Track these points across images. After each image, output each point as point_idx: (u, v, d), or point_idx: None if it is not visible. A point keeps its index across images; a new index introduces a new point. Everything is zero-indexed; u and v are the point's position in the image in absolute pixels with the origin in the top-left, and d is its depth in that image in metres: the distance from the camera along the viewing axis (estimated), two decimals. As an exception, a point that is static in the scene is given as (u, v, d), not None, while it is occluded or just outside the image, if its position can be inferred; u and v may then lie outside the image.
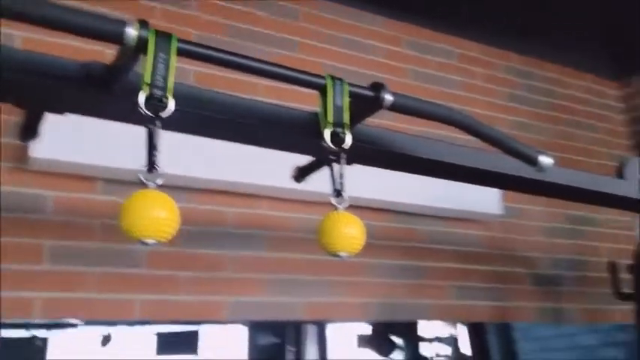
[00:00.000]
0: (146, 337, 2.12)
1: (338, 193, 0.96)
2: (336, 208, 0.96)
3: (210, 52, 0.90)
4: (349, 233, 0.92)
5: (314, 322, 2.13)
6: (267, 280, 1.94)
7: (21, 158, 1.68)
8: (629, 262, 2.10)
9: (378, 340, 3.21)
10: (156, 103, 0.83)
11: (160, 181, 0.81)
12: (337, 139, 0.98)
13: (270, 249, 1.97)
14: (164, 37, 0.86)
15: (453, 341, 4.03)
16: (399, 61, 2.52)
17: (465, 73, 2.71)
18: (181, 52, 0.87)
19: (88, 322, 1.70)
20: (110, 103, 0.96)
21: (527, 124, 2.80)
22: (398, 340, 3.12)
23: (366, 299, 2.10)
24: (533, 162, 1.23)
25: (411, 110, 1.09)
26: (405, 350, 3.26)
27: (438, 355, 3.61)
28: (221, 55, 0.92)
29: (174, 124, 0.87)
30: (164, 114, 0.83)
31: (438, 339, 3.75)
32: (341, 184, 0.97)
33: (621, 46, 2.99)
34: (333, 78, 1.01)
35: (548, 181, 1.31)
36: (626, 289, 2.10)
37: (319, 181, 1.31)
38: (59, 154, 1.67)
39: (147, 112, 0.82)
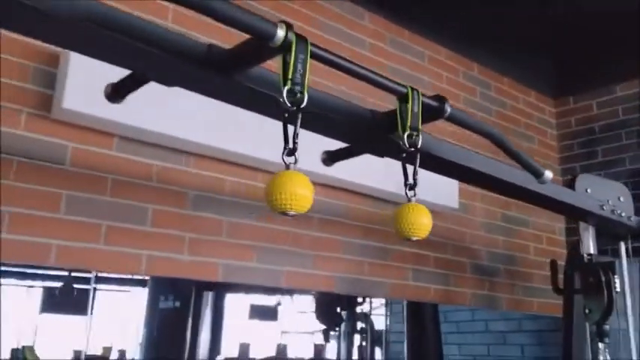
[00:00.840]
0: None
1: (411, 187, 1.14)
2: (409, 200, 1.14)
3: (331, 56, 1.05)
4: (423, 222, 1.11)
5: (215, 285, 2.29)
6: (255, 247, 2.09)
7: (44, 106, 1.72)
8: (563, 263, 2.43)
9: (328, 313, 3.45)
10: (293, 97, 0.97)
11: (297, 164, 0.95)
12: (411, 140, 1.16)
13: (261, 219, 2.11)
14: (302, 40, 0.99)
15: (365, 317, 4.37)
16: (381, 56, 2.71)
17: (432, 75, 2.95)
18: (313, 55, 1.01)
19: (99, 275, 1.78)
20: (228, 88, 1.08)
21: (479, 129, 3.09)
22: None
23: (336, 273, 2.30)
24: (539, 175, 1.46)
25: (461, 122, 1.29)
26: (346, 323, 3.53)
27: (361, 331, 3.92)
28: (336, 59, 1.06)
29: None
30: (302, 105, 0.97)
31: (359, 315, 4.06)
32: (414, 179, 1.15)
33: (563, 70, 3.35)
34: (412, 88, 1.18)
35: (544, 193, 1.56)
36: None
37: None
38: (83, 106, 1.72)
39: (288, 103, 0.96)
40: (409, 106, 1.16)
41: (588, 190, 2.22)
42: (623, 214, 2.21)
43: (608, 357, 2.05)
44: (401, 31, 2.83)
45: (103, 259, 1.76)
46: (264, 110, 1.08)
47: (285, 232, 2.17)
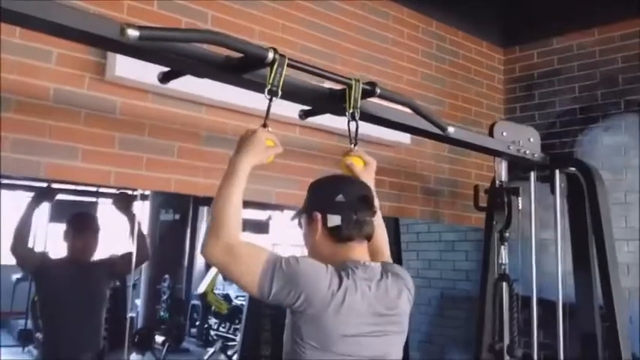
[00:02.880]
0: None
1: (354, 144, 1.86)
2: (350, 151, 1.85)
3: (299, 64, 1.73)
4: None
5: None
6: (252, 173, 2.81)
7: (98, 72, 2.39)
8: (487, 186, 3.18)
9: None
10: (272, 92, 1.66)
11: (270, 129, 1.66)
12: (353, 114, 1.86)
13: (256, 152, 2.83)
14: (283, 57, 1.67)
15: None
16: (350, 17, 3.33)
17: (395, 32, 3.59)
18: (289, 65, 1.69)
19: (142, 193, 2.50)
20: (237, 80, 1.77)
21: (434, 76, 3.77)
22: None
23: (313, 193, 3.04)
24: (444, 129, 2.18)
25: (386, 97, 1.99)
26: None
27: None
28: (302, 65, 1.75)
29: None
30: (277, 97, 1.66)
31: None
32: (355, 139, 1.86)
33: (511, 21, 3.99)
34: (355, 80, 1.87)
35: (452, 137, 2.29)
36: (483, 204, 3.18)
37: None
38: (129, 73, 2.40)
39: (269, 96, 1.65)
40: (353, 92, 1.86)
41: (504, 134, 2.94)
42: (527, 152, 2.94)
43: (506, 254, 2.83)
44: (369, -5, 3.45)
45: (145, 181, 2.50)
46: (261, 91, 1.77)
47: (274, 163, 2.88)
